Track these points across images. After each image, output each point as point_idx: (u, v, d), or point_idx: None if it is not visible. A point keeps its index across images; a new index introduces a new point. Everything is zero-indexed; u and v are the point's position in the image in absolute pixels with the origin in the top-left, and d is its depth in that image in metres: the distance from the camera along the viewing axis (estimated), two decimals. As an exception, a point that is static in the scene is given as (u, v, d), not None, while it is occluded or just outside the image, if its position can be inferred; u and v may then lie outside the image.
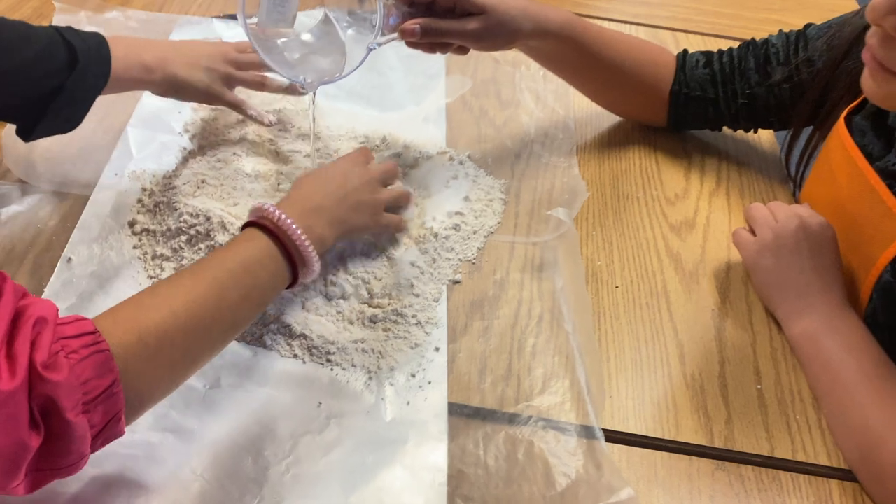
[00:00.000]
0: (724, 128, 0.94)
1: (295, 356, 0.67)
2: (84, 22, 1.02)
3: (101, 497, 0.57)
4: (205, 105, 0.88)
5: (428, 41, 0.77)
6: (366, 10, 0.83)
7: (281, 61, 0.78)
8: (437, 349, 0.69)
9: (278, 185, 0.81)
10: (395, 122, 0.94)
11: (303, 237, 0.63)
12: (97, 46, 0.71)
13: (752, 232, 0.77)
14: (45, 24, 0.99)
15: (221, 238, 0.71)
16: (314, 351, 0.67)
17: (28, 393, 0.43)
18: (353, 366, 0.67)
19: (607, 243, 0.82)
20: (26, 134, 0.70)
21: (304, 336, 0.68)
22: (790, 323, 0.73)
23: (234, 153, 0.82)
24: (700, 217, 0.87)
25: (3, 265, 0.72)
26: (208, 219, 0.72)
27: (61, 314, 0.67)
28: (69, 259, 0.73)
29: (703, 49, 0.92)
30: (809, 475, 0.64)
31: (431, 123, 0.95)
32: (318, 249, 0.64)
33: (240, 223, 0.67)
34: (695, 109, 0.91)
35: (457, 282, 0.76)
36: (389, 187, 0.78)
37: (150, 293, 0.55)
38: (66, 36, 0.69)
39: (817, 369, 0.69)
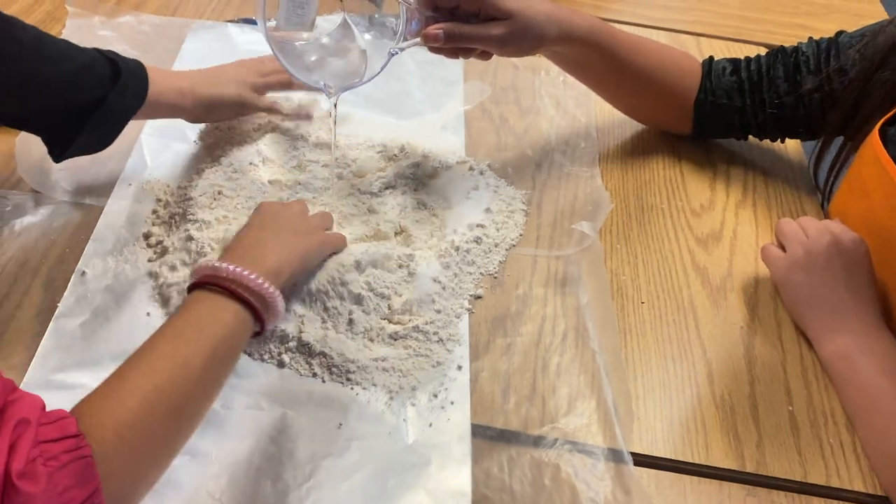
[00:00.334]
0: (750, 136, 0.92)
1: (314, 375, 0.66)
2: (97, 26, 1.01)
3: (117, 522, 0.55)
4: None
5: (451, 46, 0.75)
6: (385, 14, 0.81)
7: (301, 67, 0.77)
8: (459, 367, 0.68)
9: (296, 194, 0.79)
10: (412, 130, 0.92)
11: (246, 272, 0.59)
12: (136, 66, 0.73)
13: (782, 247, 0.75)
14: (58, 27, 1.00)
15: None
16: (334, 370, 0.66)
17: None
18: (374, 385, 0.65)
19: (632, 256, 0.81)
20: (61, 149, 0.70)
21: (324, 354, 0.66)
22: (822, 342, 0.71)
23: (251, 162, 0.81)
24: (727, 229, 0.85)
25: (17, 278, 0.71)
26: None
27: (75, 331, 0.66)
28: (83, 272, 0.71)
29: (726, 54, 0.90)
30: (844, 502, 0.62)
31: (450, 131, 0.93)
32: (273, 282, 0.61)
33: None
34: (721, 118, 0.89)
35: (478, 297, 0.74)
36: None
37: (117, 379, 0.52)
38: (106, 54, 0.71)
39: (851, 391, 0.67)
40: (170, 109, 0.78)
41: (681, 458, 0.64)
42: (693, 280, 0.79)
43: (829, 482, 0.63)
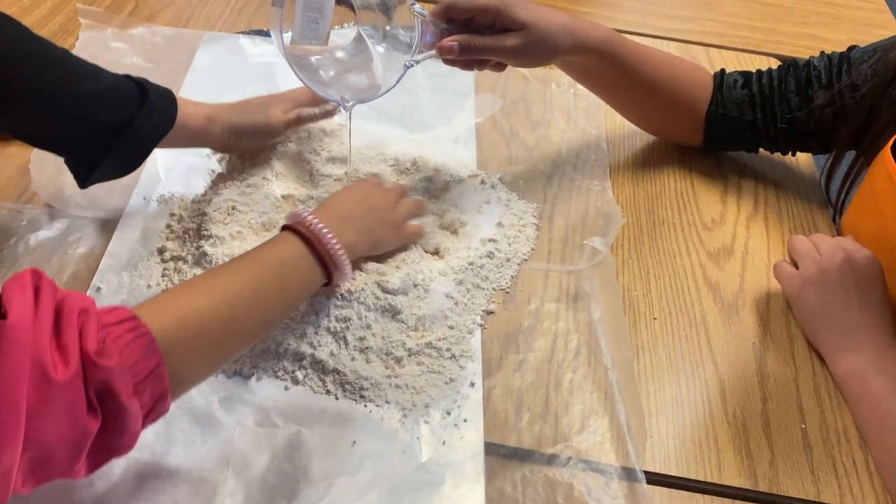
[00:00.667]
0: (761, 149, 0.92)
1: (328, 392, 0.66)
2: (110, 38, 1.01)
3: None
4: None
5: (466, 58, 0.76)
6: (397, 27, 0.81)
7: (316, 80, 0.77)
8: (472, 384, 0.68)
9: (309, 209, 0.79)
10: (424, 143, 0.92)
11: (333, 241, 0.66)
12: (165, 91, 0.73)
13: (794, 264, 0.75)
14: (70, 40, 1.00)
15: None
16: (347, 387, 0.66)
17: (84, 380, 0.45)
18: (387, 402, 0.66)
19: (643, 271, 0.81)
20: (87, 172, 0.70)
21: (337, 371, 0.66)
22: (835, 360, 0.71)
23: (264, 177, 0.81)
24: (738, 244, 0.85)
25: (32, 294, 0.71)
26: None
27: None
28: (98, 288, 0.72)
29: (736, 64, 0.90)
30: (858, 521, 0.63)
31: (461, 145, 0.93)
32: (348, 255, 0.67)
33: None
34: (732, 131, 0.89)
35: (490, 312, 0.75)
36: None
37: (189, 285, 0.59)
38: (134, 78, 0.71)
39: (865, 410, 0.67)
40: (198, 134, 0.77)
41: (693, 477, 0.64)
42: (705, 295, 0.79)
43: (842, 501, 0.63)
